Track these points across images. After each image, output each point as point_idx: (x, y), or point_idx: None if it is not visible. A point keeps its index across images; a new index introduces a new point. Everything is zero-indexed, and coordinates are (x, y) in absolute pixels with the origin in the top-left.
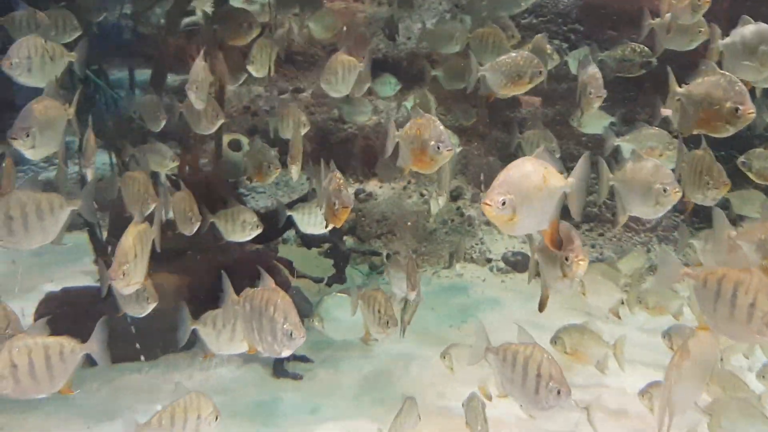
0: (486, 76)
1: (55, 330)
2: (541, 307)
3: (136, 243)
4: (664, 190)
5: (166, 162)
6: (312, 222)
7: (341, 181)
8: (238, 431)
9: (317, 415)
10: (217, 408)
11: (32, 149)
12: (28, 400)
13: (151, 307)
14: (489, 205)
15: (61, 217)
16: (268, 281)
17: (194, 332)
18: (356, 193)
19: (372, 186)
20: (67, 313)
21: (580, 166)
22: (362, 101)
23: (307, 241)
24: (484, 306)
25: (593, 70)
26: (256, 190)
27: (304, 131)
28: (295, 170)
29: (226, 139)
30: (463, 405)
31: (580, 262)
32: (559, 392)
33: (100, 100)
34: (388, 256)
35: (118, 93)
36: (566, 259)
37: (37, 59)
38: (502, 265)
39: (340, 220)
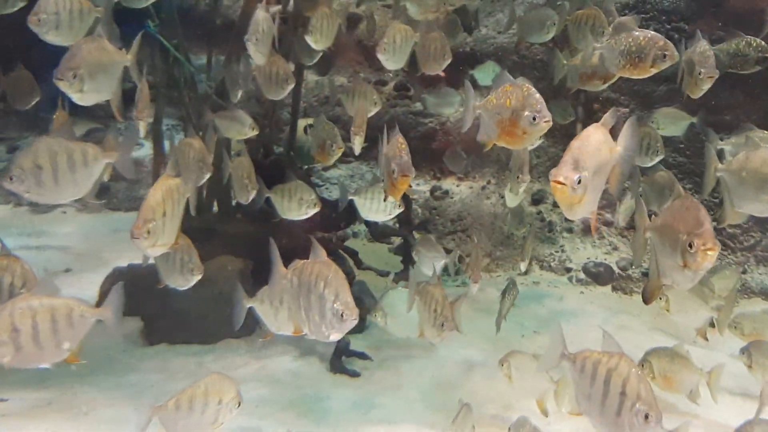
0: (602, 54)
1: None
2: (649, 298)
3: (165, 199)
4: None
5: (245, 130)
6: (374, 208)
7: (403, 145)
8: (287, 425)
9: (370, 415)
10: (240, 394)
11: (80, 93)
12: (80, 376)
13: (195, 278)
14: (563, 183)
15: (95, 170)
16: (320, 252)
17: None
18: (432, 191)
19: (449, 184)
20: (130, 290)
21: (628, 131)
22: (449, 91)
23: (376, 234)
24: (561, 317)
25: (704, 46)
26: (330, 180)
27: (374, 110)
28: (358, 142)
29: (302, 123)
30: (510, 430)
31: (709, 252)
32: (647, 417)
33: (179, 74)
34: (460, 258)
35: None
36: (690, 245)
37: (66, 15)
38: (582, 275)
39: (398, 191)
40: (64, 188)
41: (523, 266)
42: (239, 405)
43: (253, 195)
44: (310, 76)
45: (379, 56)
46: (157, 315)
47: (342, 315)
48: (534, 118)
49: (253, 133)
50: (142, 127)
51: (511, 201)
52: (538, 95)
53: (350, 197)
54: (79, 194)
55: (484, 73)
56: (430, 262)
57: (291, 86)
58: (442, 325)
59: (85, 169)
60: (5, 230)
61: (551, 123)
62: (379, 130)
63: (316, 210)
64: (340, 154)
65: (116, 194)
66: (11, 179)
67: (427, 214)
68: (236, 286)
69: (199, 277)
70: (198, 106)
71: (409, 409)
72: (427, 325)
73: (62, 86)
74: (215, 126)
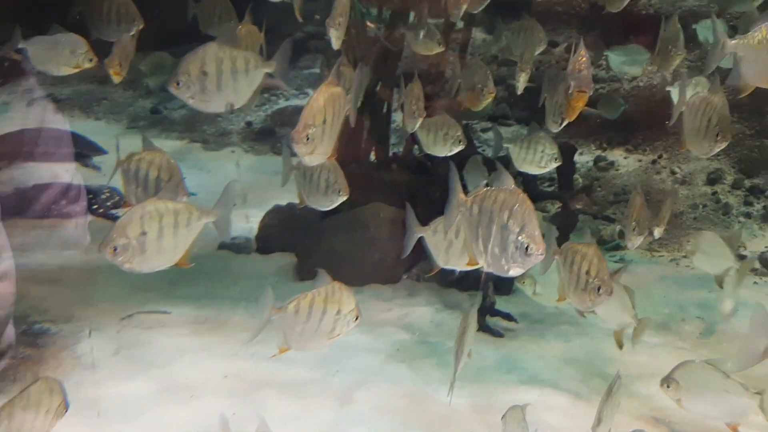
0: None
1: (274, 237)
2: None
3: (327, 106)
4: None
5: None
6: (530, 158)
7: (584, 59)
8: (423, 372)
9: (512, 375)
10: (359, 308)
11: None
12: (233, 300)
13: (340, 199)
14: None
15: (255, 79)
16: (506, 178)
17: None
18: (596, 161)
19: (616, 155)
20: (287, 226)
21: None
22: (637, 48)
23: (533, 196)
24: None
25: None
26: (488, 142)
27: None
28: (523, 79)
29: None
30: (502, 418)
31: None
32: (527, 248)
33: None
34: (621, 234)
35: None
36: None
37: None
38: (757, 265)
39: (574, 110)
40: (226, 95)
41: (657, 233)
42: (357, 319)
43: (418, 123)
44: (478, 34)
45: None
46: (309, 253)
47: (527, 248)
48: None
49: (440, 48)
50: (335, 37)
51: None
52: None
53: (506, 146)
54: (240, 103)
55: (706, 29)
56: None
57: None
58: (598, 289)
59: (247, 77)
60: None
61: None
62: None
63: (462, 147)
64: (491, 99)
65: (281, 139)
66: (178, 84)
67: (588, 184)
68: (409, 211)
69: (345, 197)
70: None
71: (553, 373)
72: (571, 290)
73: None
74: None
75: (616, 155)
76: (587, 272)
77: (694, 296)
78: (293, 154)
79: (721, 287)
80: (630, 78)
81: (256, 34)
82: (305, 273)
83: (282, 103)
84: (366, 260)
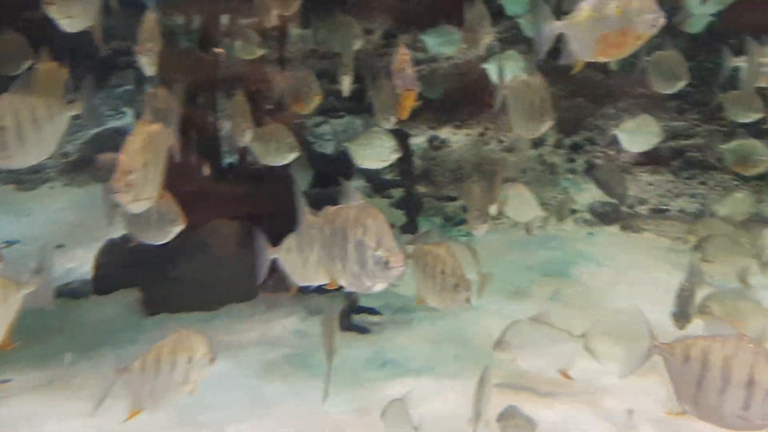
0: None
1: (113, 275)
2: None
3: (145, 147)
4: None
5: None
6: (370, 154)
7: (405, 56)
8: (297, 388)
9: (386, 369)
10: (213, 349)
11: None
12: (80, 351)
13: (176, 229)
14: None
15: (60, 125)
16: (353, 195)
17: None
18: (430, 141)
19: (446, 133)
20: (125, 260)
21: None
22: (450, 29)
23: (377, 186)
24: (570, 261)
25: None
26: (323, 137)
27: (357, 45)
28: (346, 82)
29: None
30: (382, 414)
31: None
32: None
33: None
34: (464, 209)
35: None
36: None
37: None
38: (588, 216)
39: (405, 109)
40: (30, 148)
41: (494, 210)
42: (212, 361)
43: (249, 137)
44: (294, 29)
45: None
46: (154, 285)
47: (386, 263)
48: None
49: (261, 51)
50: (147, 64)
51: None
52: None
53: (344, 145)
54: (47, 154)
55: (515, 3)
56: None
57: None
58: (456, 285)
59: (51, 125)
60: None
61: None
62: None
63: (296, 154)
64: (318, 101)
65: (103, 166)
66: None
67: (426, 165)
68: (258, 235)
69: (181, 227)
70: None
71: (426, 360)
72: (429, 292)
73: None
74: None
75: (446, 133)
76: (442, 272)
77: (539, 257)
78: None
79: (529, 233)
80: (447, 57)
81: (56, 72)
82: (153, 307)
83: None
84: (216, 282)
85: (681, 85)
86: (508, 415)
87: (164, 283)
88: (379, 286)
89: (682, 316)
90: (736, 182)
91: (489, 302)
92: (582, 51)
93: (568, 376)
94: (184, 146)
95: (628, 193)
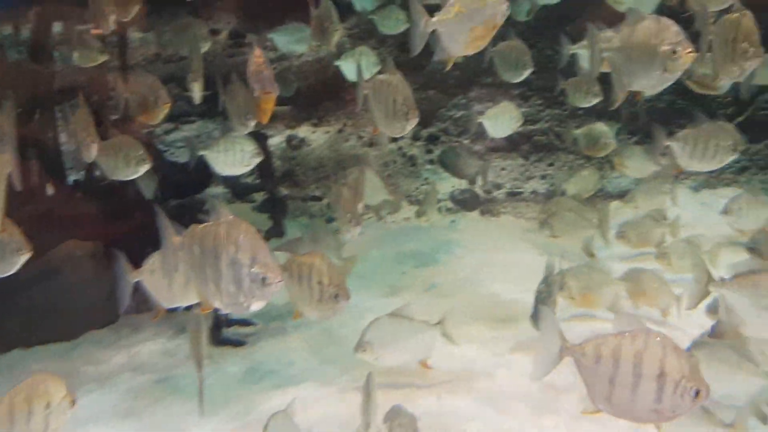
0: None
1: None
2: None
3: None
4: (674, 52)
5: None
6: (230, 160)
7: (261, 59)
8: (178, 411)
9: (266, 381)
10: (72, 392)
11: None
12: None
13: (22, 259)
14: None
15: None
16: (222, 211)
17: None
18: (288, 140)
19: (305, 131)
20: None
21: None
22: (299, 26)
23: (237, 191)
24: (438, 249)
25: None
26: (175, 144)
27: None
28: (197, 88)
29: None
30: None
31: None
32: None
33: None
34: (329, 206)
35: None
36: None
37: None
38: (450, 204)
39: (265, 113)
40: None
41: (360, 208)
42: (73, 403)
43: (95, 151)
44: (134, 33)
45: None
46: (4, 319)
47: (264, 279)
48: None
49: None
50: None
51: None
52: None
53: (201, 153)
54: None
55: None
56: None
57: None
58: (336, 296)
59: None
60: None
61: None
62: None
63: (147, 166)
64: (166, 110)
65: None
66: None
67: (287, 166)
68: (117, 257)
69: (28, 255)
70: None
71: (306, 367)
72: (306, 303)
73: None
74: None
75: (305, 131)
76: (320, 282)
77: (407, 248)
78: None
79: (379, 217)
80: (298, 55)
81: None
82: (4, 344)
83: None
84: (72, 308)
85: (527, 73)
86: (393, 415)
87: (15, 316)
88: (258, 305)
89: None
90: (580, 161)
91: (362, 300)
92: (454, 46)
93: (427, 366)
94: (24, 169)
95: (479, 174)
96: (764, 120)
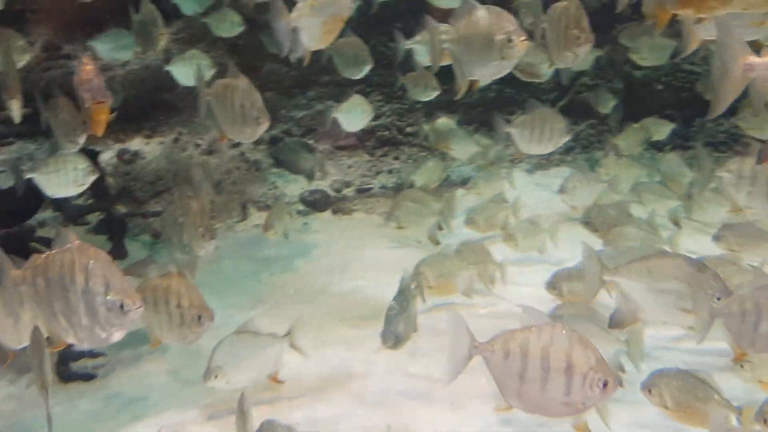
0: None
1: None
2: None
3: None
4: (509, 40)
5: None
6: (63, 180)
7: (89, 67)
8: None
9: (123, 413)
10: None
11: None
12: None
13: None
14: None
15: None
16: (68, 237)
17: None
18: (119, 155)
19: (138, 144)
20: None
21: None
22: (122, 32)
23: (70, 214)
24: (293, 253)
25: None
26: None
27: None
28: (16, 107)
29: None
30: None
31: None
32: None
33: None
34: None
35: None
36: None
37: None
38: (301, 207)
39: (100, 125)
40: None
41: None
42: None
43: None
44: None
45: None
46: None
47: (122, 307)
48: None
49: None
50: None
51: None
52: None
53: (27, 176)
54: None
55: (191, 1)
56: None
57: None
58: (199, 318)
59: None
60: None
61: None
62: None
63: None
64: None
65: None
66: None
67: (121, 182)
68: None
69: None
70: None
71: (167, 393)
72: (165, 329)
73: None
74: None
75: (138, 144)
76: (179, 305)
77: (262, 255)
78: None
79: None
80: (123, 63)
81: None
82: None
83: None
84: None
85: (367, 69)
86: (267, 430)
87: None
88: (118, 336)
89: (389, 336)
90: (424, 153)
91: (220, 315)
92: (311, 41)
93: (277, 380)
94: None
95: (315, 168)
96: (582, 102)
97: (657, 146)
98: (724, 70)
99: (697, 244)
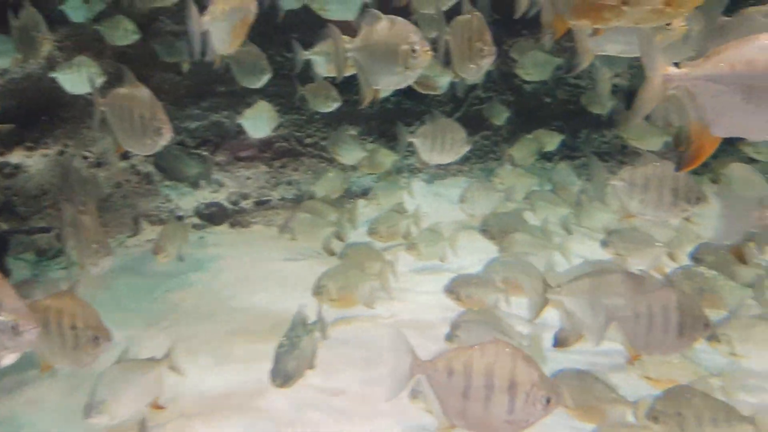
0: None
1: None
2: None
3: None
4: (413, 51)
5: None
6: None
7: None
8: None
9: None
10: None
11: None
12: None
13: None
14: None
15: None
16: None
17: None
18: None
19: (19, 156)
20: None
21: None
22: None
23: None
24: (190, 269)
25: None
26: None
27: None
28: None
29: None
30: None
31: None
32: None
33: None
34: (58, 237)
35: None
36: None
37: None
38: (197, 220)
39: None
40: None
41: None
42: None
43: None
44: None
45: None
46: None
47: (14, 328)
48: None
49: None
50: None
51: None
52: None
53: None
54: None
55: (78, 8)
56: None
57: None
58: (96, 339)
59: None
60: None
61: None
62: None
63: None
64: None
65: None
66: None
67: (1, 197)
68: None
69: None
70: None
71: (51, 424)
72: (59, 354)
73: None
74: None
75: (19, 157)
76: (73, 327)
77: (157, 271)
78: None
79: None
80: (1, 71)
81: None
82: None
83: None
84: None
85: (266, 78)
86: None
87: None
88: (10, 359)
89: (277, 374)
90: (323, 164)
91: (119, 334)
92: (222, 44)
93: (159, 407)
94: None
95: (201, 176)
96: (476, 114)
97: (546, 157)
98: (644, 80)
99: (586, 249)
